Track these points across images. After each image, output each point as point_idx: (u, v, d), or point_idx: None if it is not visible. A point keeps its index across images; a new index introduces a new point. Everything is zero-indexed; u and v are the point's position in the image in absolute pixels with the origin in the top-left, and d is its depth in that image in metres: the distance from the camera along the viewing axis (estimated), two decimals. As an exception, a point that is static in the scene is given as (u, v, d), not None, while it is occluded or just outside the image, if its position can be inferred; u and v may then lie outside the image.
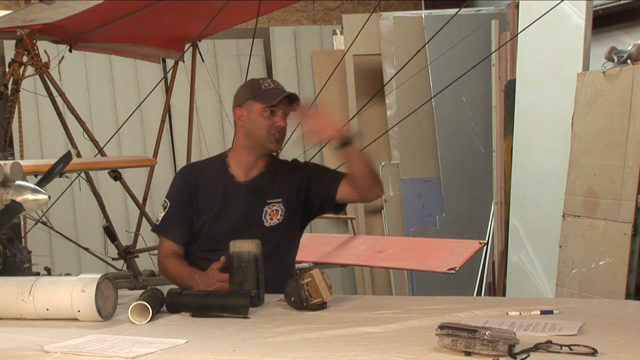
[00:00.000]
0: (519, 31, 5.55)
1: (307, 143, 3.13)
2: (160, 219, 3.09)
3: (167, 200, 3.09)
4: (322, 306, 2.56)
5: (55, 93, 5.18)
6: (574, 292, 4.73)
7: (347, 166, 2.96)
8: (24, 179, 3.00)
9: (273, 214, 3.01)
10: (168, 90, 5.76)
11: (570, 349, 1.88)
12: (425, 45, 5.93)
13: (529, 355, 1.85)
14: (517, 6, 5.86)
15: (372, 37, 6.72)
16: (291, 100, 3.00)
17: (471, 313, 2.40)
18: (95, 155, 5.52)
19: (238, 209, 3.01)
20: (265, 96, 2.97)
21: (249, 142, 3.03)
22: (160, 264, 3.09)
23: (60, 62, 5.35)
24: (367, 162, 2.95)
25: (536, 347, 1.89)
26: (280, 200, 3.02)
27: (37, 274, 3.54)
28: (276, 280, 2.73)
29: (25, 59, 4.94)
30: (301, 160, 3.32)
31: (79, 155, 5.10)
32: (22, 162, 3.23)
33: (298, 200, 3.05)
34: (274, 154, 3.13)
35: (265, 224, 3.00)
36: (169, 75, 5.73)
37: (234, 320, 2.43)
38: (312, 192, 3.05)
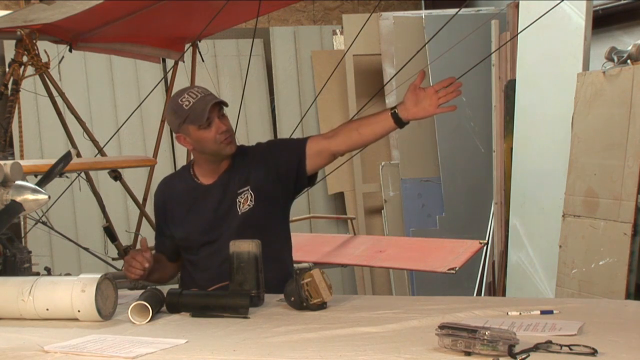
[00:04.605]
0: (519, 31, 5.55)
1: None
2: None
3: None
4: (322, 306, 2.56)
5: (55, 93, 5.18)
6: (574, 292, 4.73)
7: (374, 132, 3.04)
8: (24, 179, 3.00)
9: (244, 201, 3.00)
10: (168, 90, 5.76)
11: (570, 349, 1.88)
12: (425, 45, 5.93)
13: (529, 355, 1.85)
14: (517, 6, 5.85)
15: (372, 37, 6.71)
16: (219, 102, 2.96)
17: (471, 313, 2.39)
18: (95, 155, 5.52)
19: (208, 207, 3.01)
20: (193, 116, 2.91)
21: (205, 157, 3.03)
22: None
23: (60, 62, 5.35)
24: None
25: (536, 347, 1.89)
26: (247, 187, 3.00)
27: (37, 274, 3.54)
28: (265, 271, 2.70)
29: (25, 59, 4.94)
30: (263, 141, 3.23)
31: (79, 155, 5.10)
32: (22, 162, 3.23)
33: (269, 181, 3.01)
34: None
35: (239, 212, 2.99)
36: (169, 75, 5.72)
37: (234, 320, 2.44)
38: (281, 165, 3.02)
